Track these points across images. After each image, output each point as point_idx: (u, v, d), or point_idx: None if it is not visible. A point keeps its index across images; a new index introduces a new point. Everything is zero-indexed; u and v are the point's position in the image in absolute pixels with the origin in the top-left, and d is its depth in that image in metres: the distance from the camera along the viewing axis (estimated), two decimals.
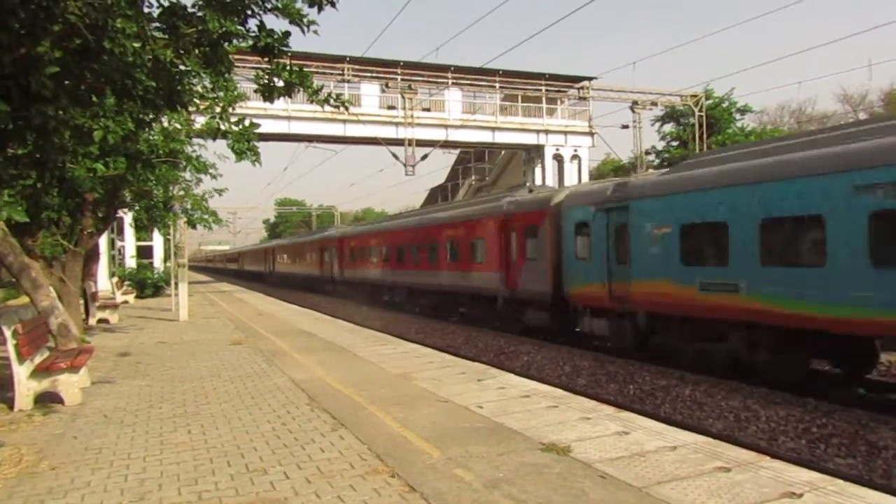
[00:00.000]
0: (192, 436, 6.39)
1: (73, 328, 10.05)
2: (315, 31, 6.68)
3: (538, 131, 36.81)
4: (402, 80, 33.49)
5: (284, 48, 6.77)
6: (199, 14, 6.27)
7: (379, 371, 9.72)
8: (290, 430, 6.46)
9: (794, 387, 9.97)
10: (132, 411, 7.55)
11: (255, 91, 7.69)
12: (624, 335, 13.31)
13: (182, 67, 6.88)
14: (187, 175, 15.51)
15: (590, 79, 37.01)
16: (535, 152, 37.85)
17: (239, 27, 6.48)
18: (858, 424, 8.19)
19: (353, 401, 7.69)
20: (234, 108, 11.89)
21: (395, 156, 33.29)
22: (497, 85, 35.71)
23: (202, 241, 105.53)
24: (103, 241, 25.48)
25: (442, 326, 19.54)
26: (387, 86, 33.61)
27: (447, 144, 36.52)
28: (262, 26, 6.62)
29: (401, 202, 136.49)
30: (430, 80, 34.58)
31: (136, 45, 5.94)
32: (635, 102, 37.66)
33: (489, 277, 18.49)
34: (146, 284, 30.61)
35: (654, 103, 38.54)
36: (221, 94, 11.66)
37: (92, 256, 19.59)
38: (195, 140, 14.01)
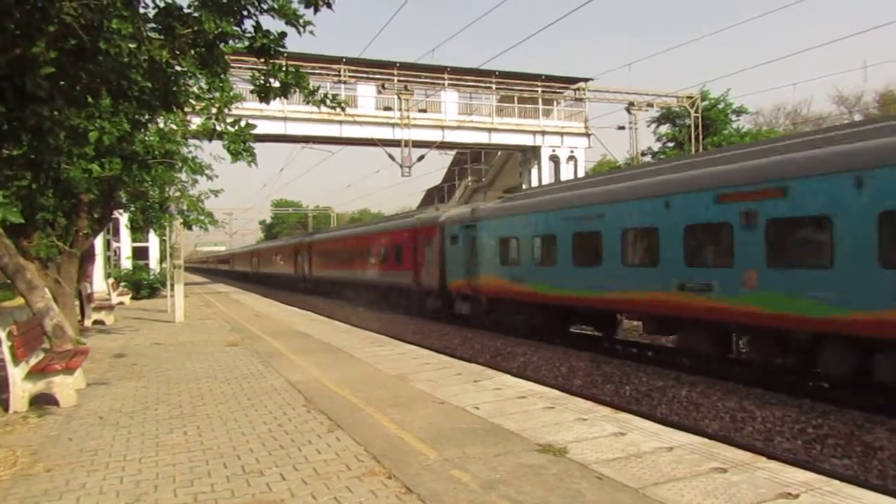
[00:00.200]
0: (187, 437, 6.37)
1: (69, 330, 10.02)
2: (311, 32, 6.70)
3: (534, 132, 36.75)
4: (399, 81, 33.43)
5: (280, 49, 6.77)
6: (195, 15, 6.26)
7: (375, 372, 9.72)
8: (286, 432, 6.45)
9: (791, 387, 10.04)
10: (128, 413, 7.52)
11: (252, 92, 7.71)
12: (479, 313, 19.06)
13: (178, 68, 6.88)
14: (183, 176, 15.55)
15: (586, 80, 36.96)
16: (532, 153, 37.81)
17: (235, 28, 6.47)
18: (854, 425, 8.23)
19: (350, 402, 7.68)
20: (230, 109, 11.89)
21: (391, 157, 33.26)
22: (493, 86, 35.63)
23: (198, 242, 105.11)
24: (99, 242, 25.39)
25: (439, 328, 19.65)
26: (383, 87, 33.55)
27: (443, 145, 36.48)
28: (258, 27, 6.62)
29: (397, 203, 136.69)
30: (427, 81, 34.50)
31: (132, 45, 5.95)
32: (631, 103, 37.67)
33: (405, 275, 24.25)
34: (142, 286, 30.50)
35: (650, 104, 38.53)
36: (217, 94, 11.66)
37: (87, 258, 19.57)
38: (191, 141, 14.01)
